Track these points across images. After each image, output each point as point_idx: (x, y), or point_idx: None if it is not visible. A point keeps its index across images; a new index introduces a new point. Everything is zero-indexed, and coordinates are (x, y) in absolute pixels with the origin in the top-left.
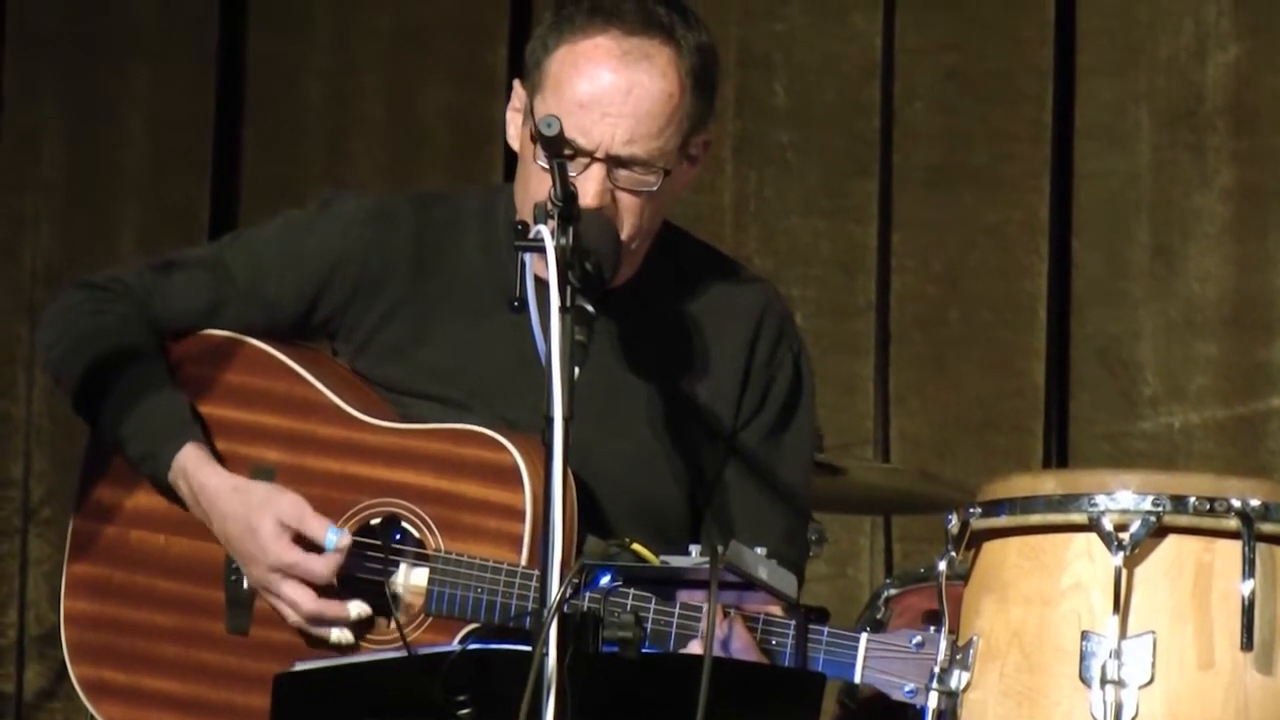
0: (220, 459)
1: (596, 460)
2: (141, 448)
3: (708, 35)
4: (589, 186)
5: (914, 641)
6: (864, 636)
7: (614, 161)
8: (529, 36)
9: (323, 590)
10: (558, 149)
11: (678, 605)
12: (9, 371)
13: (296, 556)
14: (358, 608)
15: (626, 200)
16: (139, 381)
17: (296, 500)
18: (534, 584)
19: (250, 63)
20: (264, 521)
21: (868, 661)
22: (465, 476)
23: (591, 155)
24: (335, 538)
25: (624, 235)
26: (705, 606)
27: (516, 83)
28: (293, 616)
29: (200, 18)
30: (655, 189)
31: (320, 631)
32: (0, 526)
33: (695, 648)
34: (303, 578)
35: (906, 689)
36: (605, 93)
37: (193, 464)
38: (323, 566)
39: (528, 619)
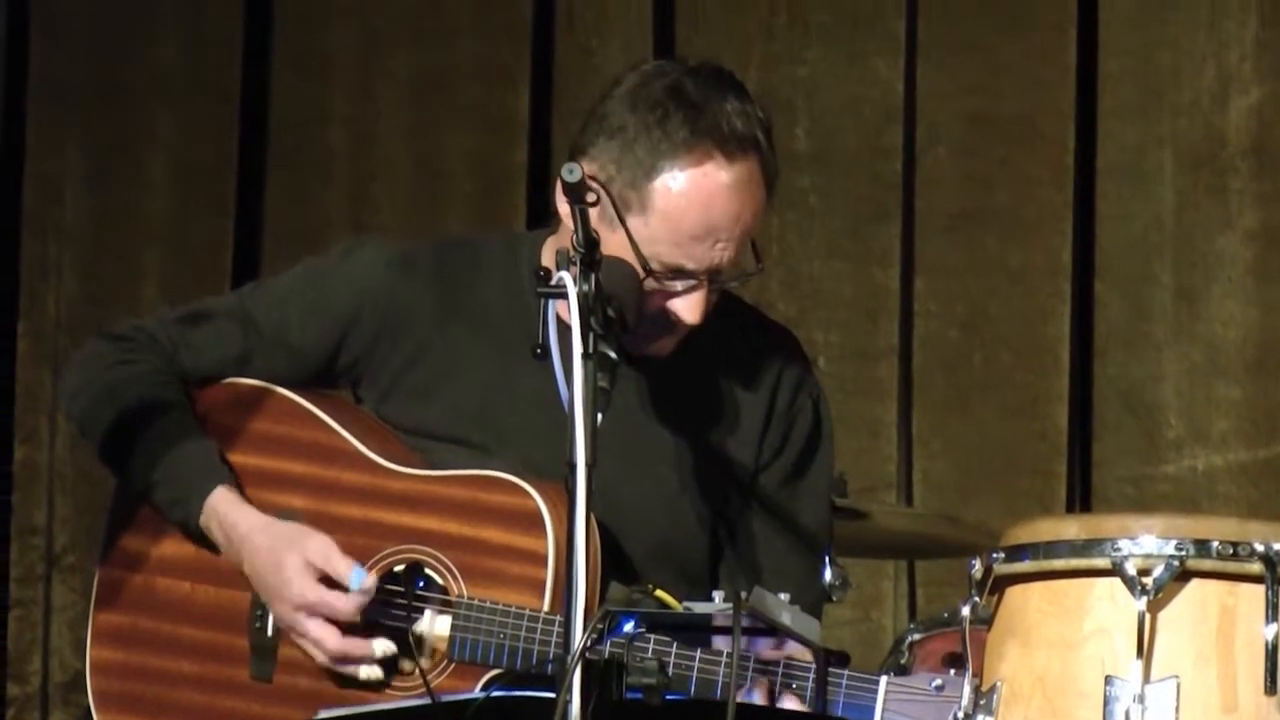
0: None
1: (619, 503)
2: (171, 493)
3: (764, 111)
4: (696, 307)
5: (934, 684)
6: (884, 679)
7: (714, 277)
8: (550, 80)
9: (348, 629)
10: (580, 196)
11: (699, 651)
12: (32, 418)
13: (320, 594)
14: (383, 645)
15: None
16: (168, 430)
17: (324, 540)
18: (556, 629)
19: (273, 108)
20: (290, 559)
21: (888, 704)
22: (488, 522)
23: (698, 277)
24: (360, 578)
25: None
26: (726, 652)
27: (578, 168)
28: (319, 655)
29: (223, 63)
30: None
31: (348, 669)
32: (24, 573)
33: (756, 693)
34: (327, 615)
35: None
36: (719, 223)
37: (225, 505)
38: (347, 604)
39: (550, 665)
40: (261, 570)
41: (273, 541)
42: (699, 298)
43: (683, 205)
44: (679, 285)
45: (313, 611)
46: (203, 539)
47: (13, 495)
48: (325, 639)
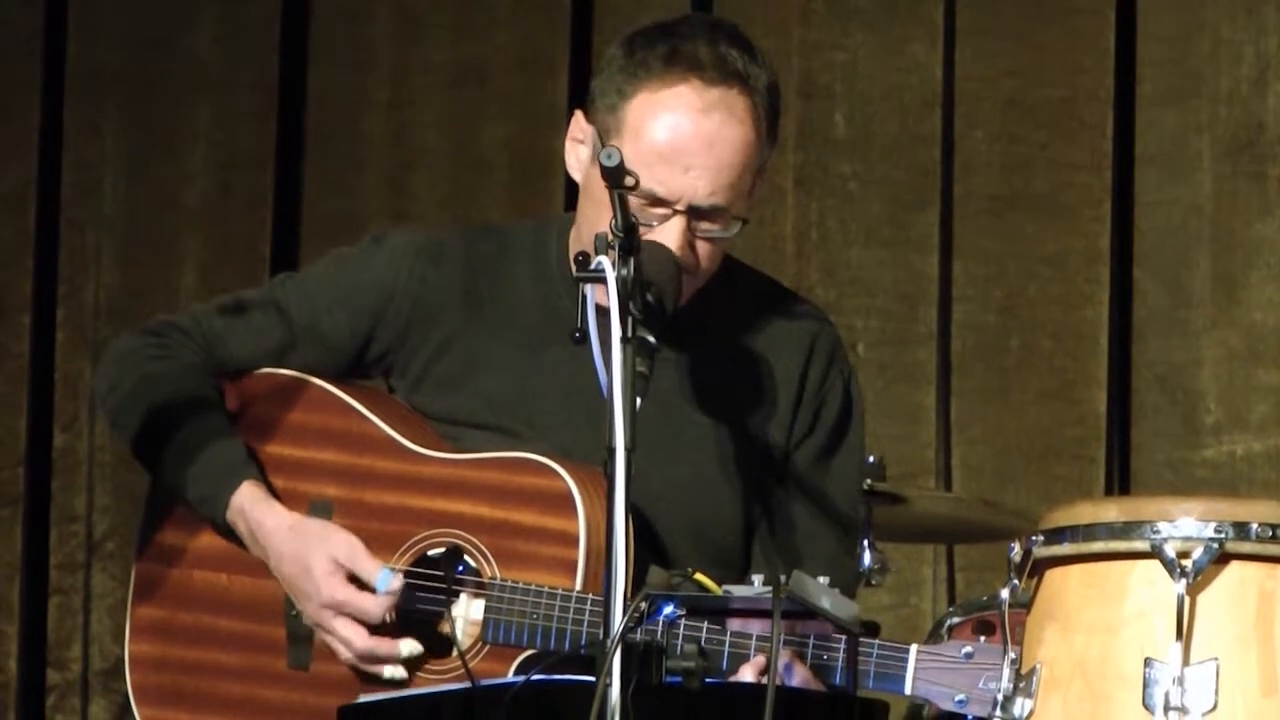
0: (280, 496)
1: (653, 487)
2: (200, 490)
3: (771, 70)
4: (671, 239)
5: (963, 652)
6: (914, 648)
7: (694, 212)
8: (588, 69)
9: (375, 628)
10: (618, 180)
11: (728, 632)
12: (71, 406)
13: (348, 594)
14: (409, 646)
15: (703, 247)
16: (198, 429)
17: (350, 539)
18: (589, 608)
19: (311, 98)
20: (317, 560)
21: (918, 673)
22: (519, 504)
23: (673, 207)
24: (387, 581)
25: (699, 280)
26: (766, 635)
27: (578, 113)
28: (345, 654)
29: (261, 53)
30: (731, 235)
31: (373, 668)
32: (64, 561)
33: (747, 672)
34: (354, 616)
35: (957, 698)
36: (688, 146)
37: (249, 502)
38: (374, 606)
39: (584, 647)
40: (290, 571)
41: (299, 542)
42: (676, 229)
43: (650, 123)
44: (655, 218)
45: (340, 611)
46: (231, 535)
47: (53, 483)
48: (353, 639)
